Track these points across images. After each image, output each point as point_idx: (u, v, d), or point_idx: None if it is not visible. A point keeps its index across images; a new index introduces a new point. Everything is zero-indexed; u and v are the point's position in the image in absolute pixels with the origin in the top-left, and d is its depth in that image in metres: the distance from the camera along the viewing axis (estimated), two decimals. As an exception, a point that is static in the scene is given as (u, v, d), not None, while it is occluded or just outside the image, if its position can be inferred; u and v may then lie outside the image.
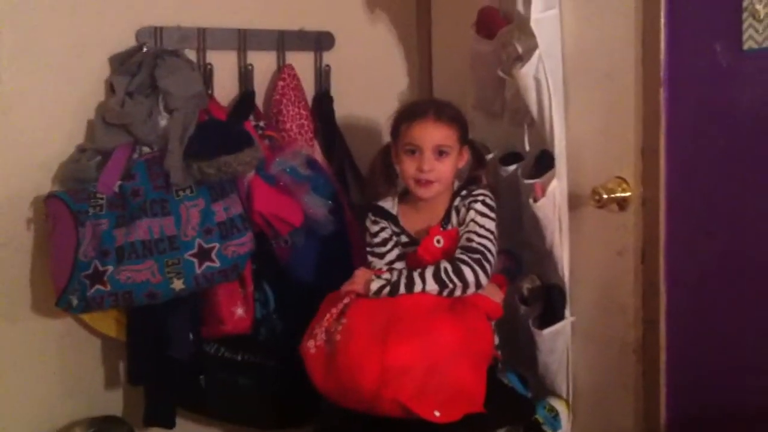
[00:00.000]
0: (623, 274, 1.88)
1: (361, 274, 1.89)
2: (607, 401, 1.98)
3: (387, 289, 1.82)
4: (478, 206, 1.91)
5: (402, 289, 1.81)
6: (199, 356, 2.05)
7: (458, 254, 1.85)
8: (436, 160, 1.90)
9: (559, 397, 2.05)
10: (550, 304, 1.99)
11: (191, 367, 2.05)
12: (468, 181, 1.99)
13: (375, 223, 2.00)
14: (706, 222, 1.72)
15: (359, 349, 1.73)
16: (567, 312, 2.00)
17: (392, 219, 1.99)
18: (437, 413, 1.68)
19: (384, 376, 1.69)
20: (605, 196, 1.83)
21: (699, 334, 1.76)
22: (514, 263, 2.15)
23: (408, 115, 1.95)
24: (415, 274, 1.82)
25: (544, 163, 1.99)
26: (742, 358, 1.67)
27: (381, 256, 1.96)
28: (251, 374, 2.11)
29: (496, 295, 1.89)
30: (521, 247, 2.13)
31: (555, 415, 2.02)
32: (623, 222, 1.87)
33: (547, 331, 1.97)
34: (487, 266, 1.84)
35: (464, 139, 1.96)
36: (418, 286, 1.81)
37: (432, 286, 1.80)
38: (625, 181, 1.85)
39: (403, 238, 1.98)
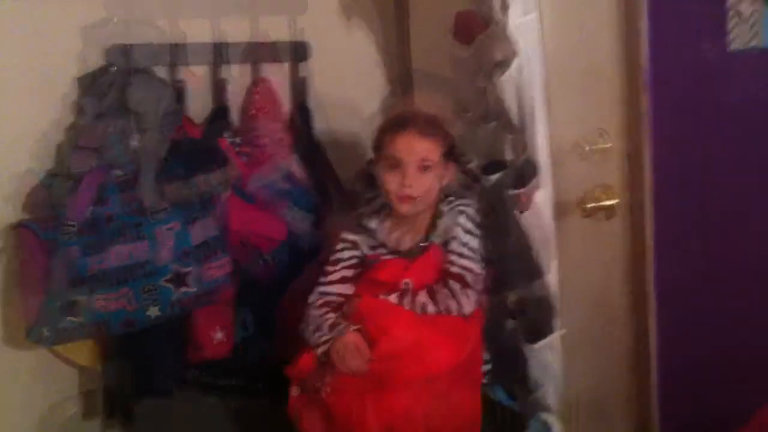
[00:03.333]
0: (614, 282, 1.88)
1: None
2: (602, 411, 1.96)
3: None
4: (462, 220, 1.85)
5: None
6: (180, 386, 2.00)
7: (438, 284, 1.82)
8: (419, 174, 1.82)
9: (550, 410, 2.00)
10: (539, 317, 1.95)
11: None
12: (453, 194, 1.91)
13: (344, 240, 1.91)
14: (695, 226, 1.71)
15: (353, 401, 1.69)
16: (556, 324, 1.95)
17: (370, 233, 1.91)
18: None
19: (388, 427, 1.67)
20: (591, 205, 1.79)
21: (692, 340, 1.76)
22: (500, 275, 2.10)
23: (391, 126, 1.86)
24: None
25: (527, 171, 1.94)
26: (736, 364, 1.66)
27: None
28: (231, 398, 2.07)
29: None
30: (508, 258, 2.09)
31: (548, 429, 1.98)
32: (611, 230, 1.85)
33: (538, 344, 1.93)
34: (469, 291, 1.81)
35: (450, 155, 1.87)
36: None
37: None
38: (610, 188, 1.81)
39: (382, 251, 1.89)
